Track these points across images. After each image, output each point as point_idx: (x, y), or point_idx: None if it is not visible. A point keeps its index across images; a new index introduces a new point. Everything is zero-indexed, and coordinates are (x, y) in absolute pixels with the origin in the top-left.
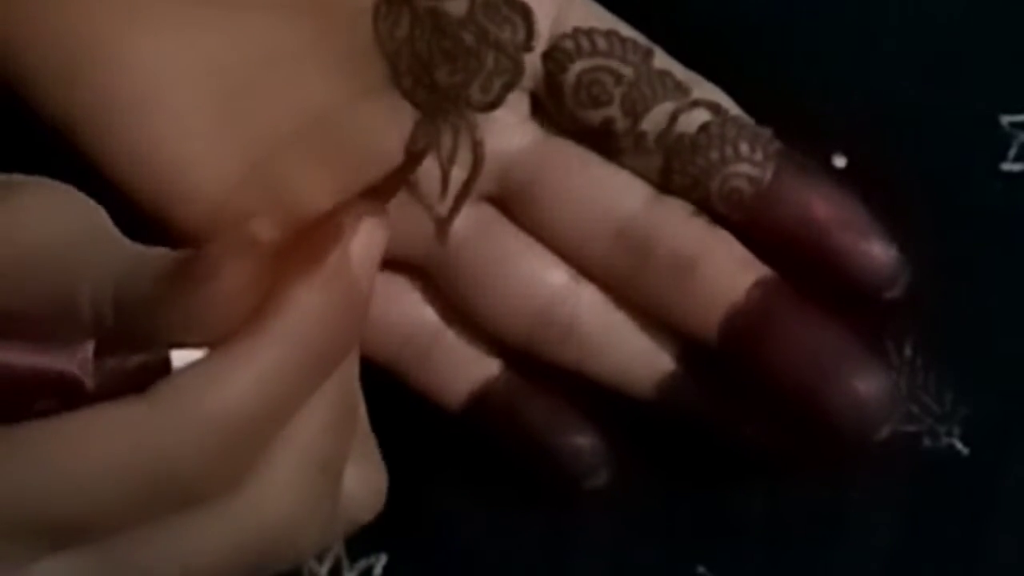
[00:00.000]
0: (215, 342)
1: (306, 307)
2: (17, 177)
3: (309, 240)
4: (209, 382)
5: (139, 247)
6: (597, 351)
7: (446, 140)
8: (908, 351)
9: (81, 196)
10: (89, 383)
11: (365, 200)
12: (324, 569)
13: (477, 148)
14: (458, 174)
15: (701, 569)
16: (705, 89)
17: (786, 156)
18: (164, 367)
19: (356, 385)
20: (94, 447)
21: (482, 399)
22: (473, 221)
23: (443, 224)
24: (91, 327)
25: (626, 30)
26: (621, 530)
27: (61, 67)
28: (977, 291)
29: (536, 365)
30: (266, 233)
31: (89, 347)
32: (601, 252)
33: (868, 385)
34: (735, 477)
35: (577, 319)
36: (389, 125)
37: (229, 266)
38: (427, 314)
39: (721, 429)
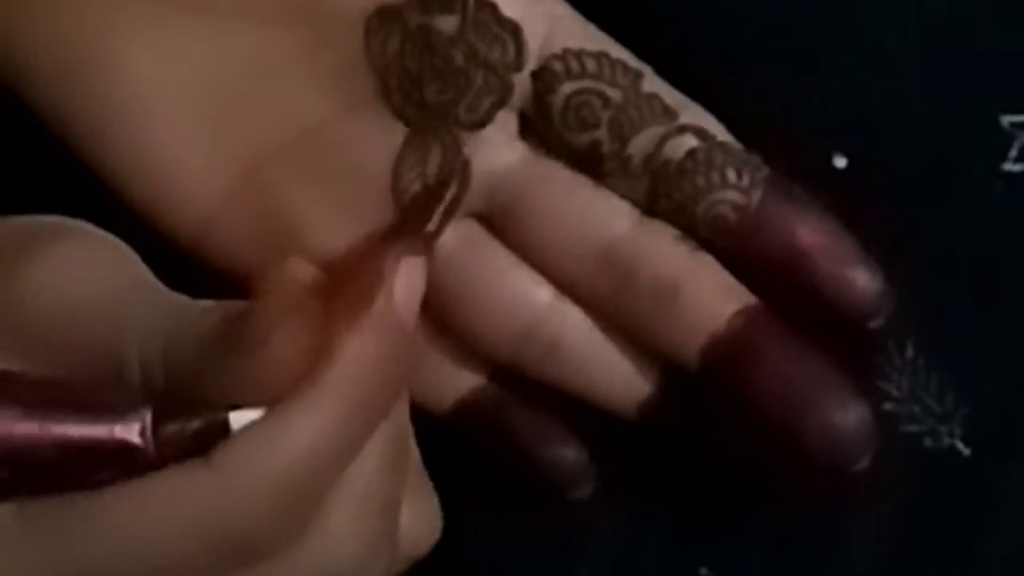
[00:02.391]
0: (270, 401)
1: (357, 357)
2: (56, 222)
3: (352, 286)
4: (269, 443)
5: (184, 299)
6: (580, 371)
7: (434, 157)
8: (909, 352)
9: (122, 246)
10: (150, 451)
11: (404, 233)
12: None
13: (464, 166)
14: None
15: (703, 570)
16: (693, 114)
17: (773, 183)
18: (222, 429)
19: (407, 421)
20: (159, 514)
21: (467, 410)
22: (460, 238)
23: (430, 240)
24: (140, 386)
25: (616, 51)
26: (624, 531)
27: (57, 70)
28: (978, 291)
29: (522, 378)
30: (303, 273)
31: (147, 414)
32: (585, 274)
33: (846, 417)
34: (737, 478)
35: (561, 338)
36: (378, 140)
37: (281, 332)
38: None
39: (704, 451)
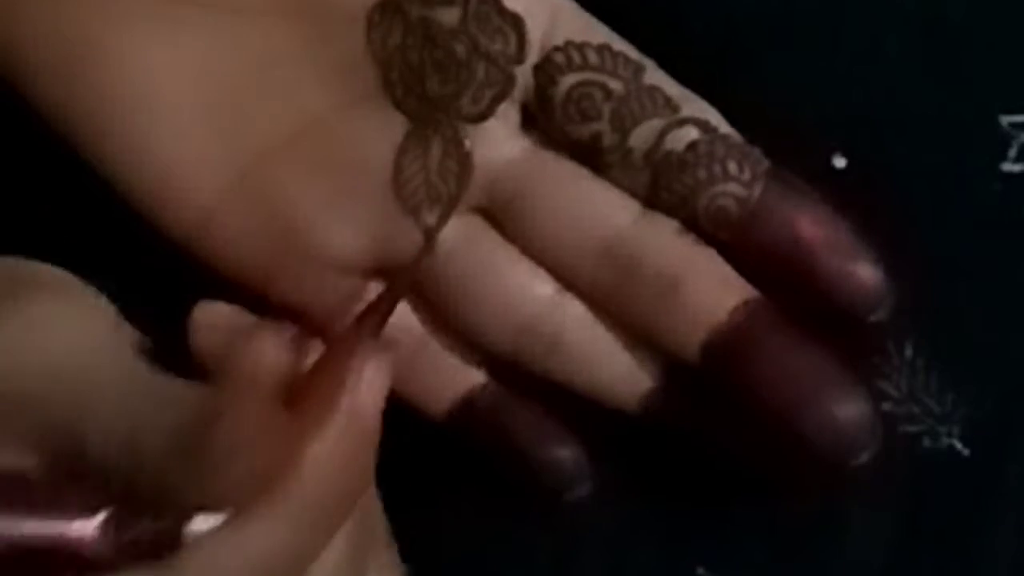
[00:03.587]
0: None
1: (321, 462)
2: (35, 273)
3: (317, 387)
4: (231, 551)
5: (157, 378)
6: (581, 365)
7: (435, 150)
8: (908, 352)
9: (101, 303)
10: (108, 553)
11: (367, 331)
12: None
13: (466, 159)
14: (447, 185)
15: (701, 570)
16: (695, 106)
17: (774, 176)
18: (182, 532)
19: (374, 503)
20: None
21: (465, 408)
22: (461, 232)
23: (431, 234)
24: (97, 468)
25: (618, 43)
26: (621, 531)
27: (58, 65)
28: (977, 291)
29: (522, 376)
30: (272, 356)
31: (105, 514)
32: (587, 267)
33: (847, 411)
34: (735, 478)
35: (562, 333)
36: (380, 134)
37: (250, 450)
38: (413, 322)
39: (707, 444)
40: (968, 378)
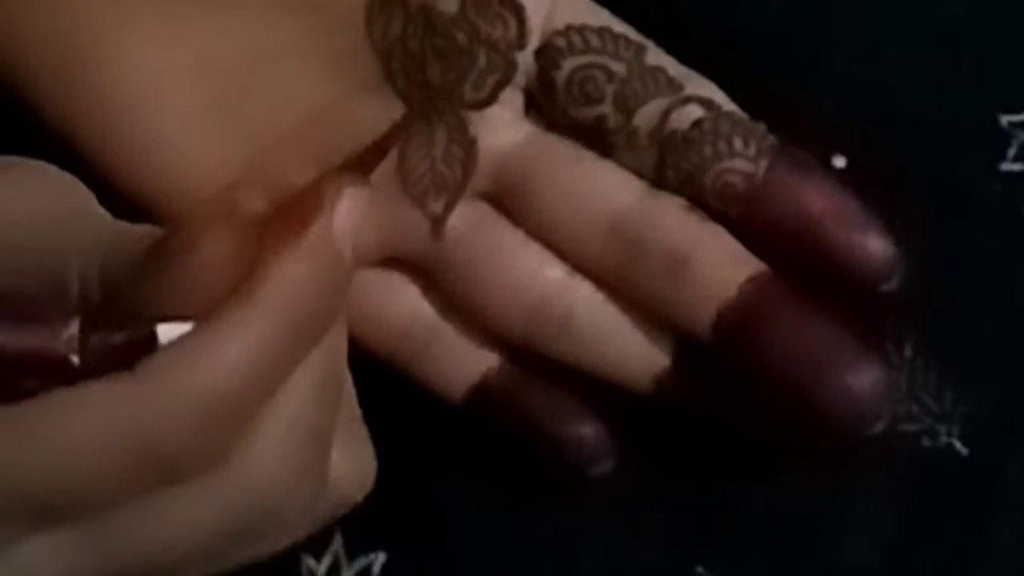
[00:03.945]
0: (200, 315)
1: (289, 278)
2: (8, 158)
3: (291, 211)
4: (195, 359)
5: (124, 224)
6: (593, 346)
7: (440, 138)
8: (908, 351)
9: (66, 175)
10: (75, 360)
11: (347, 171)
12: (322, 568)
13: (470, 146)
14: (452, 172)
15: (700, 569)
16: (698, 85)
17: (780, 151)
18: (150, 342)
19: (343, 356)
20: (81, 425)
21: (483, 391)
22: (468, 218)
23: (438, 221)
24: (78, 305)
25: (619, 26)
26: (621, 530)
27: (59, 67)
28: (976, 291)
29: (535, 359)
30: (253, 204)
31: (74, 324)
32: (595, 248)
33: (861, 380)
34: (734, 477)
35: (573, 314)
36: (383, 124)
37: (207, 237)
38: (425, 309)
39: (718, 423)
40: (967, 377)
